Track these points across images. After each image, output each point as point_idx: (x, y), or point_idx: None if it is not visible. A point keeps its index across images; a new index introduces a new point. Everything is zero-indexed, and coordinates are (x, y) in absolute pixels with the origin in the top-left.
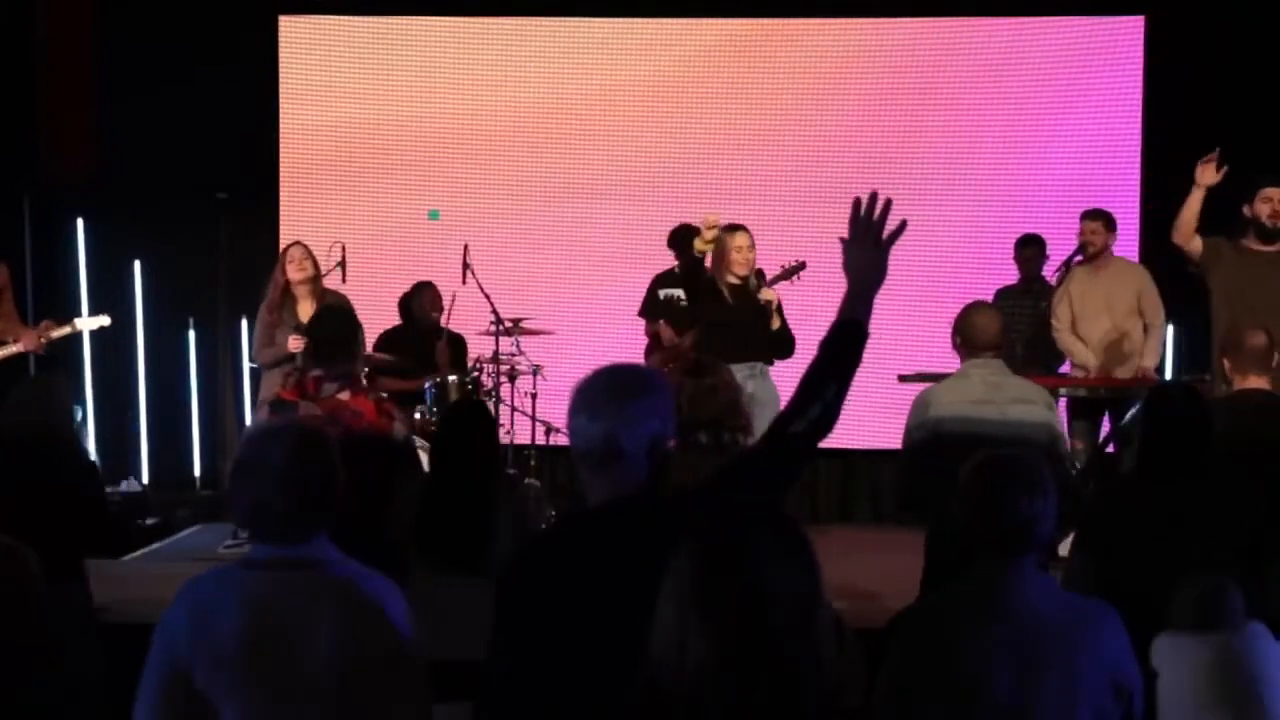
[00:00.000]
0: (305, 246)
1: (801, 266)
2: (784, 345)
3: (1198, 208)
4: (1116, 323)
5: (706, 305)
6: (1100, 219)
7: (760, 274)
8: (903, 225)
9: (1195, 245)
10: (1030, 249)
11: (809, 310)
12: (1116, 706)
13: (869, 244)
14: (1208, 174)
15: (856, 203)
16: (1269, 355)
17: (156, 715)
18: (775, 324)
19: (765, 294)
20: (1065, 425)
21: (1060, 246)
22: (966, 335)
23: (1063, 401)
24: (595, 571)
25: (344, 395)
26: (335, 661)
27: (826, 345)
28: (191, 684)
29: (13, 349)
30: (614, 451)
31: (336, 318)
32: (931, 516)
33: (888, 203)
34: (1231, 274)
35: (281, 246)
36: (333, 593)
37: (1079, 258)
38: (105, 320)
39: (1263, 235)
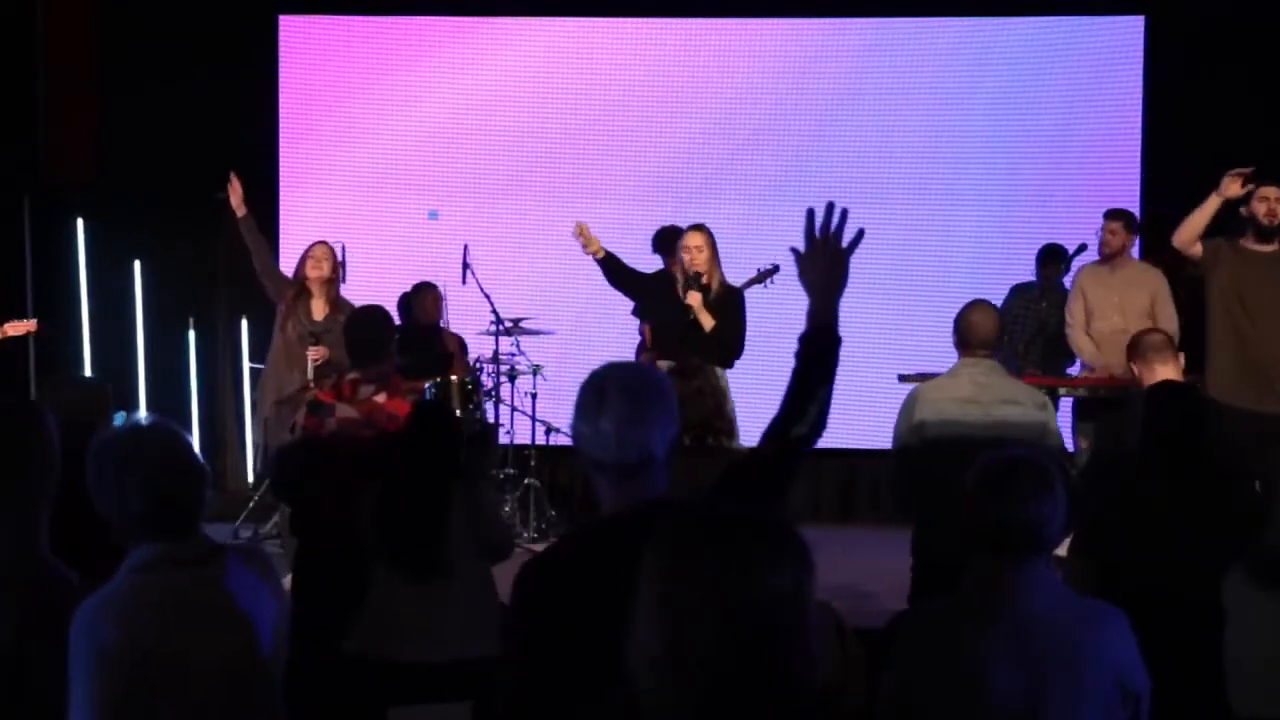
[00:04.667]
0: (328, 246)
1: (774, 270)
2: (721, 348)
3: (1210, 216)
4: (1128, 324)
5: (655, 304)
6: (1121, 219)
7: (697, 276)
8: (860, 234)
9: (1197, 250)
10: (1051, 266)
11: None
12: (1124, 708)
13: (826, 254)
14: (1233, 188)
15: (810, 214)
16: (1169, 345)
17: None
18: (707, 325)
19: (691, 297)
20: (1070, 425)
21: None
22: (961, 333)
23: (1068, 401)
24: (629, 579)
25: (380, 398)
26: (229, 654)
27: (805, 353)
28: (129, 694)
29: None
30: (646, 458)
31: (370, 318)
32: (919, 517)
33: (844, 212)
34: (1230, 274)
35: (282, 241)
36: (216, 587)
37: (1083, 253)
38: (32, 325)
39: (1261, 234)
